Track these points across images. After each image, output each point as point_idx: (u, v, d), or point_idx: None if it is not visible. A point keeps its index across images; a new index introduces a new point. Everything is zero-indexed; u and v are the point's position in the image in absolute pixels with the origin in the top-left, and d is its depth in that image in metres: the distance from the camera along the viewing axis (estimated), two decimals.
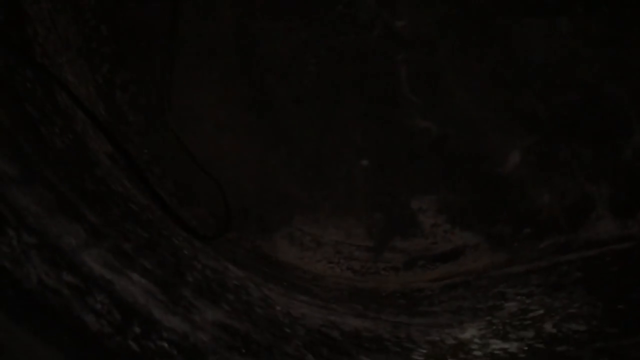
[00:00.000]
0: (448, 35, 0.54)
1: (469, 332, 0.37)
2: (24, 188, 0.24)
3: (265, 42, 0.52)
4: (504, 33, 0.54)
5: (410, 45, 0.53)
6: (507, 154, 0.53)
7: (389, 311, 0.42)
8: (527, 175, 0.54)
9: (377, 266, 0.52)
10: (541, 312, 0.40)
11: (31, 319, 0.23)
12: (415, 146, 0.52)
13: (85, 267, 0.26)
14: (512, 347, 0.35)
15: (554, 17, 0.54)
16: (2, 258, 0.21)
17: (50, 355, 0.22)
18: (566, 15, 0.54)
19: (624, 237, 0.54)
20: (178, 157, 0.48)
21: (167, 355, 0.22)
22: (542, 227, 0.54)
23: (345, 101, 0.52)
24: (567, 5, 0.54)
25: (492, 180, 0.53)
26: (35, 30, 0.42)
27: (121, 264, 0.29)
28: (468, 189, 0.53)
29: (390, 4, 0.52)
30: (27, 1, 0.41)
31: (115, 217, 0.34)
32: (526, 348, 0.35)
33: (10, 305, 0.22)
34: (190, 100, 0.50)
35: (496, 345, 0.35)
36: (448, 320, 0.41)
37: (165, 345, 0.23)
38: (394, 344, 0.34)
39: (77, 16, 0.47)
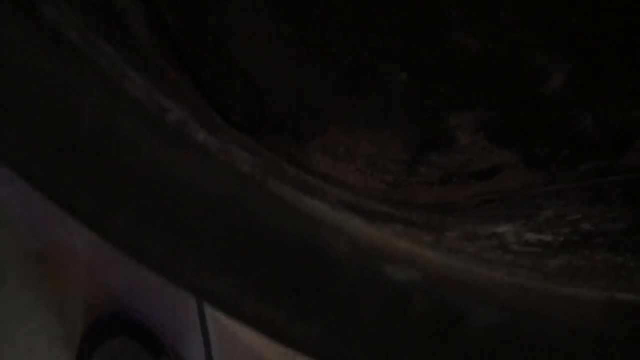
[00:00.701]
0: None
1: (503, 228, 0.37)
2: None
3: None
4: None
5: None
6: (550, 74, 0.52)
7: (421, 212, 0.42)
8: (569, 97, 0.53)
9: (410, 180, 0.52)
10: (578, 216, 0.39)
11: None
12: (456, 61, 0.51)
13: None
14: (546, 237, 0.35)
15: None
16: None
17: None
18: None
19: None
20: (215, 62, 0.48)
21: None
22: (582, 151, 0.52)
23: (385, 13, 0.52)
24: None
25: (534, 100, 0.52)
26: None
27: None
28: (508, 108, 0.52)
29: None
30: None
31: None
32: (561, 239, 0.35)
33: None
34: (229, 6, 0.50)
35: (530, 236, 0.35)
36: (482, 221, 0.40)
37: None
38: (425, 225, 0.34)
39: None
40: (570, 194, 0.47)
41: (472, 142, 0.53)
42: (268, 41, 0.51)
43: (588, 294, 0.22)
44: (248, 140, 0.31)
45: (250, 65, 0.50)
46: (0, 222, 0.48)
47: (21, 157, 0.13)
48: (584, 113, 0.54)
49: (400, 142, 0.52)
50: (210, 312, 0.50)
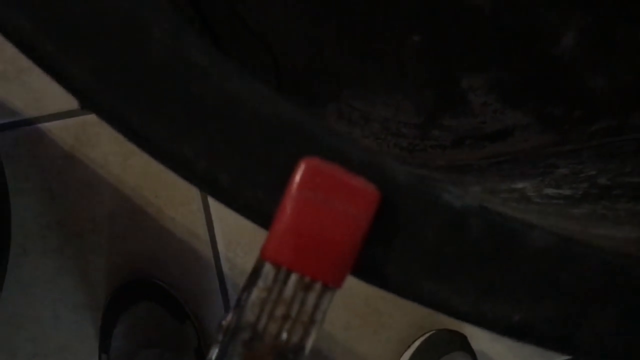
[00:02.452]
0: None
1: (521, 184, 0.38)
2: None
3: None
4: None
5: None
6: (562, 34, 0.52)
7: (439, 172, 0.43)
8: (581, 56, 0.53)
9: (424, 143, 0.52)
10: (594, 172, 0.40)
11: None
12: (467, 23, 0.52)
13: None
14: (566, 191, 0.36)
15: None
16: None
17: None
18: None
19: None
20: (230, 27, 0.48)
21: None
22: (594, 110, 0.53)
23: None
24: None
25: (545, 61, 0.53)
26: None
27: None
28: (520, 69, 0.53)
29: None
30: None
31: None
32: (581, 192, 0.35)
33: None
34: None
35: (549, 190, 0.36)
36: (499, 179, 0.41)
37: None
38: (448, 181, 0.35)
39: None
40: (583, 153, 0.48)
41: (484, 104, 0.54)
42: (282, 3, 0.51)
43: (618, 233, 0.23)
44: None
45: (265, 28, 0.50)
46: (22, 193, 0.49)
47: (93, 85, 0.14)
48: (596, 72, 0.54)
49: (413, 105, 0.53)
50: (230, 277, 0.51)
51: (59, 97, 0.49)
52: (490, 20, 0.52)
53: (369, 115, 0.52)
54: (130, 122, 0.14)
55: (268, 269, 0.15)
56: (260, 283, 0.15)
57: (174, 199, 0.50)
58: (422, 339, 0.58)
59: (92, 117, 0.50)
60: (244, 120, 0.14)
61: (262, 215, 0.15)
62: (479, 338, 0.58)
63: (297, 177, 0.14)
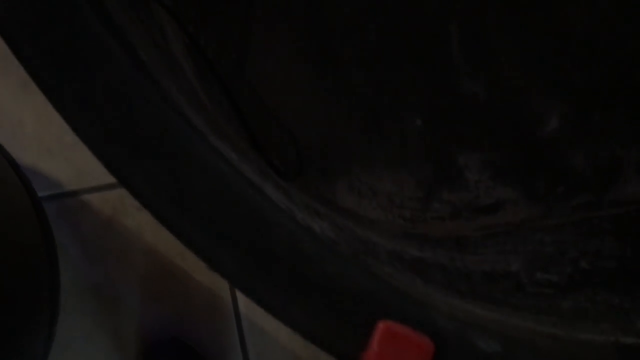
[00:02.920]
0: (497, 7, 0.59)
1: (515, 266, 0.44)
2: None
3: (331, 7, 0.57)
4: (547, 7, 0.59)
5: (463, 13, 0.58)
6: (546, 117, 0.59)
7: (442, 250, 0.48)
8: (563, 138, 0.60)
9: (425, 215, 0.58)
10: (577, 254, 0.46)
11: None
12: (464, 107, 0.58)
13: None
14: (554, 277, 0.41)
15: None
16: None
17: None
18: None
19: None
20: (252, 108, 0.54)
21: None
22: (575, 186, 0.59)
23: (402, 65, 0.58)
24: None
25: (532, 142, 0.59)
26: None
27: None
28: (509, 149, 0.59)
29: None
30: None
31: None
32: (566, 278, 0.41)
33: None
34: (263, 57, 0.56)
35: (540, 275, 0.42)
36: (495, 257, 0.47)
37: None
38: (454, 269, 0.40)
39: None
40: (567, 229, 0.54)
41: (478, 180, 0.60)
42: (299, 89, 0.57)
43: (599, 338, 0.28)
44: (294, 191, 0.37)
45: (283, 111, 0.56)
46: (63, 258, 0.54)
47: (228, 263, 0.19)
48: (576, 152, 0.61)
49: (416, 181, 0.58)
50: (250, 336, 0.56)
51: (98, 172, 0.54)
52: (485, 106, 0.58)
53: (376, 189, 0.57)
54: (260, 297, 0.20)
55: None
56: None
57: (200, 264, 0.56)
58: None
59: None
60: (341, 292, 0.20)
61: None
62: None
63: (377, 336, 0.20)
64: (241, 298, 0.56)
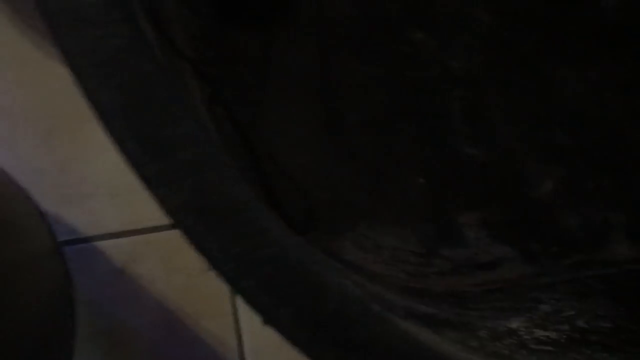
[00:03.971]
0: (496, 77, 0.63)
1: (515, 324, 0.45)
2: None
3: (341, 73, 0.61)
4: (542, 78, 0.63)
5: (463, 84, 0.62)
6: (541, 180, 0.62)
7: (445, 305, 0.50)
8: (557, 200, 0.62)
9: (427, 270, 0.60)
10: (572, 312, 0.48)
11: None
12: (463, 169, 0.61)
13: None
14: (552, 335, 0.43)
15: (584, 66, 0.63)
16: None
17: None
18: (596, 65, 0.63)
19: (637, 259, 0.63)
20: (267, 162, 0.56)
21: None
22: (568, 247, 0.62)
23: (406, 128, 0.61)
24: (597, 55, 0.63)
25: (527, 203, 0.62)
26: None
27: None
28: (506, 209, 0.61)
29: (448, 47, 0.61)
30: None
31: None
32: (565, 336, 0.43)
33: None
34: (276, 118, 0.59)
35: (539, 333, 0.43)
36: (496, 314, 0.49)
37: None
38: (461, 324, 0.42)
39: (189, 43, 0.56)
40: (561, 288, 0.56)
41: (477, 238, 0.62)
42: (308, 148, 0.60)
43: None
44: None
45: (293, 169, 0.58)
46: (75, 302, 0.55)
47: (290, 329, 0.21)
48: (569, 214, 0.63)
49: (418, 237, 0.61)
50: None
51: (113, 219, 0.56)
52: (483, 167, 0.61)
53: (380, 244, 0.59)
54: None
55: None
56: None
57: (208, 311, 0.57)
58: None
59: (141, 238, 0.57)
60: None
61: None
62: None
63: None
64: (247, 345, 0.57)
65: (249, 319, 0.58)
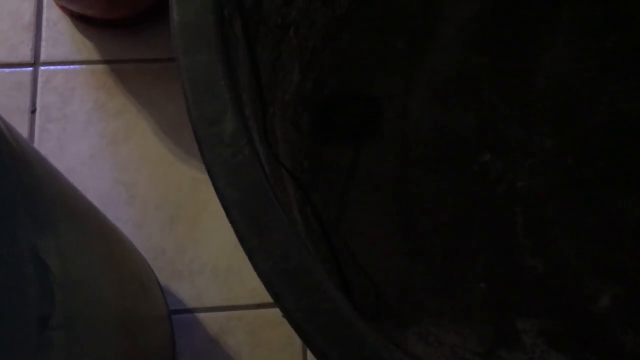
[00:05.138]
0: (558, 197, 0.69)
1: None
2: None
3: (416, 185, 0.70)
4: (604, 201, 0.69)
5: (527, 201, 0.69)
6: (599, 295, 0.66)
7: None
8: (614, 315, 0.66)
9: None
10: None
11: None
12: (523, 278, 0.66)
13: None
14: None
15: None
16: None
17: None
18: None
19: None
20: (345, 257, 0.65)
21: None
22: None
23: (473, 236, 0.68)
24: None
25: (585, 315, 0.66)
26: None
27: None
28: (564, 319, 0.66)
29: (514, 169, 0.69)
30: None
31: None
32: None
33: None
34: (357, 218, 0.68)
35: None
36: None
37: None
38: None
39: (292, 153, 0.68)
40: None
41: (533, 344, 0.66)
42: (382, 247, 0.68)
43: None
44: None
45: (368, 263, 0.66)
46: None
47: None
48: (626, 329, 0.66)
49: (478, 337, 0.66)
50: None
51: (214, 295, 0.66)
52: (542, 278, 0.66)
53: (442, 340, 0.65)
54: None
55: None
56: None
57: None
58: None
59: (233, 313, 0.66)
60: None
61: None
62: None
63: None
64: None
65: None
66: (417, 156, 0.70)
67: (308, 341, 0.27)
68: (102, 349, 0.34)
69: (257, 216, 0.30)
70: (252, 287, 0.65)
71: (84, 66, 0.71)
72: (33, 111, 0.68)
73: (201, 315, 0.65)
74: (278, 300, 0.27)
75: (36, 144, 0.68)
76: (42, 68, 0.71)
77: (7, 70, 0.70)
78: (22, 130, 0.69)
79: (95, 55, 0.70)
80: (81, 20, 0.70)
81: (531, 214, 0.68)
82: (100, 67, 0.70)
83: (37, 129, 0.69)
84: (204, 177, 0.34)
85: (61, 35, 0.71)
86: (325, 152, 0.69)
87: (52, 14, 0.72)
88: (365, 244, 0.67)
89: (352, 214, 0.68)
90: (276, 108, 0.58)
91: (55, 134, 0.69)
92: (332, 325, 0.27)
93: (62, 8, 0.71)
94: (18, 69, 0.70)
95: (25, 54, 0.70)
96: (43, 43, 0.71)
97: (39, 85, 0.70)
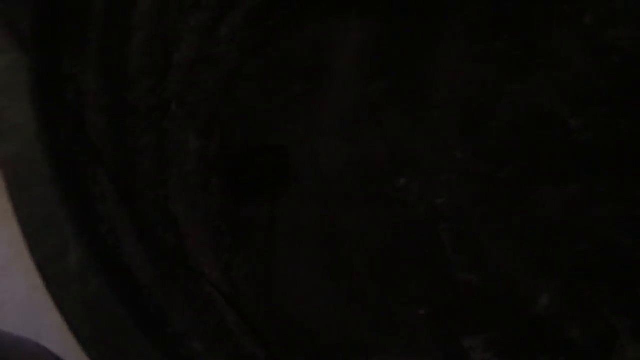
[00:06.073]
0: (480, 206, 0.69)
1: None
2: None
3: (340, 223, 0.69)
4: (525, 200, 0.69)
5: (450, 217, 0.68)
6: (537, 295, 0.66)
7: None
8: (557, 313, 0.66)
9: None
10: None
11: None
12: (462, 295, 0.66)
13: None
14: None
15: (565, 184, 0.69)
16: None
17: None
18: (576, 183, 0.69)
19: None
20: (277, 317, 0.64)
21: None
22: (575, 357, 0.65)
23: (403, 265, 0.68)
24: (576, 172, 0.69)
25: (528, 319, 0.65)
26: (183, 235, 0.61)
27: None
28: (508, 328, 0.65)
29: (431, 187, 0.69)
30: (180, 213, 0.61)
31: None
32: None
33: None
34: (287, 271, 0.67)
35: None
36: None
37: None
38: None
39: (207, 219, 0.66)
40: None
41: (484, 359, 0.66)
42: (318, 294, 0.67)
43: None
44: None
45: (306, 315, 0.65)
46: None
47: None
48: (571, 325, 0.66)
49: None
50: None
51: None
52: (480, 292, 0.66)
53: None
54: None
55: None
56: None
57: None
58: None
59: None
60: None
61: None
62: None
63: None
64: None
65: None
66: (335, 195, 0.69)
67: None
68: None
69: (117, 351, 0.29)
70: None
71: None
72: None
73: None
74: None
75: None
76: None
77: None
78: None
79: None
80: None
81: (457, 229, 0.68)
82: None
83: None
84: None
85: None
86: (242, 211, 0.68)
87: None
88: (299, 296, 0.66)
89: (282, 267, 0.67)
90: (170, 188, 0.57)
91: None
92: None
93: None
94: None
95: None
96: None
97: None
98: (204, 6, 0.62)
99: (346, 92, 0.74)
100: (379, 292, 0.66)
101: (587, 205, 0.69)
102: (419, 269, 0.67)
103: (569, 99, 0.67)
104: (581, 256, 0.67)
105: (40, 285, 0.70)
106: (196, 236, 0.59)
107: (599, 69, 0.69)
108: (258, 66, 0.73)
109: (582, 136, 0.71)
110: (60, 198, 0.32)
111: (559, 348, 0.65)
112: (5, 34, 0.32)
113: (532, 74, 0.75)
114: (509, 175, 0.70)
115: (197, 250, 0.57)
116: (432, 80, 0.77)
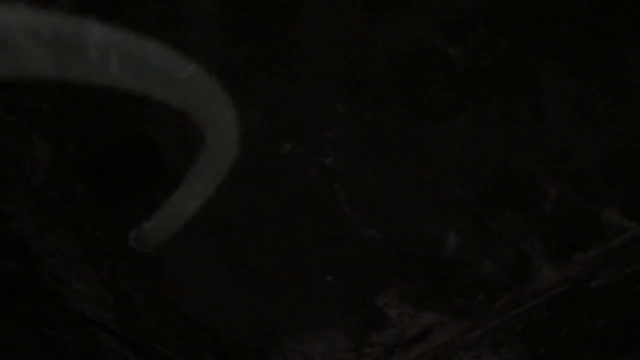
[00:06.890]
0: (370, 156, 0.65)
1: None
2: None
3: (229, 206, 0.64)
4: (415, 141, 0.66)
5: (342, 174, 0.64)
6: (445, 238, 0.63)
7: None
8: (466, 250, 0.63)
9: None
10: None
11: None
12: (366, 253, 0.62)
13: None
14: None
15: (453, 117, 0.66)
16: None
17: None
18: (463, 112, 0.65)
19: (563, 280, 0.62)
20: (174, 319, 0.59)
21: None
22: (492, 290, 0.62)
23: (302, 233, 0.63)
24: (461, 102, 0.66)
25: (439, 263, 0.62)
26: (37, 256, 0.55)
27: None
28: (420, 276, 0.62)
29: (318, 148, 0.65)
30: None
31: None
32: None
33: None
34: (177, 269, 0.62)
35: None
36: None
37: None
38: None
39: (78, 230, 0.60)
40: (485, 339, 0.56)
41: (400, 314, 0.63)
42: (215, 285, 0.62)
43: None
44: None
45: (207, 309, 0.61)
46: None
47: None
48: (483, 260, 0.64)
49: (343, 333, 0.61)
50: None
51: None
52: (384, 245, 0.62)
53: (308, 354, 0.60)
54: None
55: None
56: None
57: None
58: None
59: None
60: None
61: None
62: None
63: None
64: None
65: None
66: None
67: None
68: None
69: None
70: None
71: None
72: None
73: None
74: None
75: None
76: None
77: None
78: None
79: None
80: None
81: (351, 185, 0.64)
82: None
83: None
84: None
85: None
86: (117, 213, 0.62)
87: None
88: (195, 291, 0.61)
89: (172, 265, 0.62)
90: (16, 206, 0.50)
91: None
92: None
93: None
94: None
95: None
96: None
97: None
98: None
99: (207, 64, 0.68)
100: (280, 269, 0.62)
101: (477, 135, 0.66)
102: (318, 235, 0.63)
103: (444, 28, 0.62)
104: (481, 187, 0.64)
105: None
106: (62, 253, 0.53)
107: None
108: None
109: (462, 63, 0.68)
110: None
111: (474, 286, 0.62)
112: None
113: (401, 9, 0.71)
114: (395, 119, 0.66)
115: (63, 268, 0.51)
116: (299, 37, 0.72)
